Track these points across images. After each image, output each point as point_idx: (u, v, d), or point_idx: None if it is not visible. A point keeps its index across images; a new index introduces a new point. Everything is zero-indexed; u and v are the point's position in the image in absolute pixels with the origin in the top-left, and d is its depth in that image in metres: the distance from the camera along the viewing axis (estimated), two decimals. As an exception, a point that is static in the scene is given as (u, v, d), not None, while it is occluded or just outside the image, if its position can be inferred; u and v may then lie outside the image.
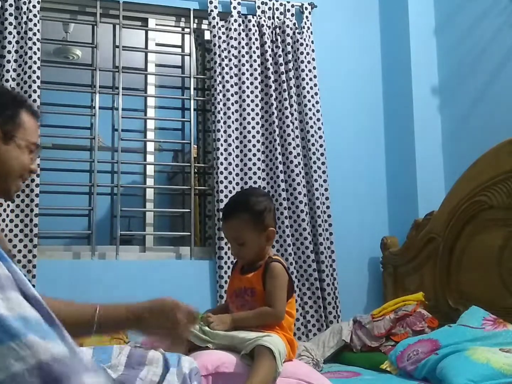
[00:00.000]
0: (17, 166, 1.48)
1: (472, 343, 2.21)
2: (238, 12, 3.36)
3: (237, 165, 3.24)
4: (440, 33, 3.49)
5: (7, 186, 1.42)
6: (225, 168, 3.18)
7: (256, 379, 1.56)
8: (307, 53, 3.39)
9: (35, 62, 2.97)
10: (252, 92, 3.30)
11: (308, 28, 3.44)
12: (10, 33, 2.97)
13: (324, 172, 3.32)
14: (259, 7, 3.39)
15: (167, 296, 1.39)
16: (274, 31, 3.39)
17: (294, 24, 3.42)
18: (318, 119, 3.36)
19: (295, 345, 1.84)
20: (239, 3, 3.36)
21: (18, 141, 1.48)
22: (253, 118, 3.27)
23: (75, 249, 3.10)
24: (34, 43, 2.98)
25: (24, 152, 1.50)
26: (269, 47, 3.36)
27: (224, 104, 3.24)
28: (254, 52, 3.32)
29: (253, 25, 3.35)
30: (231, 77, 3.29)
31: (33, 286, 1.37)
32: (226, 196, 3.13)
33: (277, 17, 3.42)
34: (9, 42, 2.96)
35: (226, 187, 3.16)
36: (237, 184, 3.21)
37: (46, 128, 3.20)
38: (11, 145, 1.47)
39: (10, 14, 2.98)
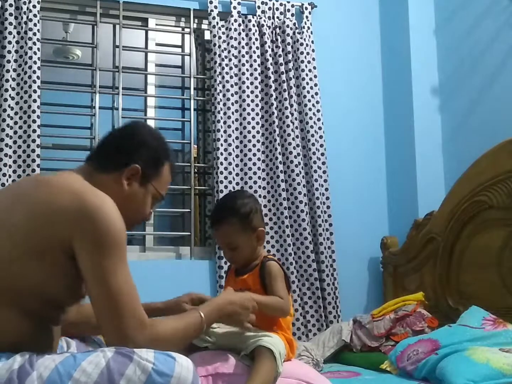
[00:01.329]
0: (137, 209, 1.54)
1: (472, 343, 2.21)
2: (238, 12, 3.36)
3: (237, 165, 3.24)
4: (440, 33, 3.49)
5: None
6: (225, 168, 3.18)
7: (256, 380, 1.56)
8: (307, 53, 3.39)
9: (35, 62, 2.97)
10: (252, 92, 3.30)
11: (308, 28, 3.44)
12: (10, 33, 2.97)
13: (324, 172, 3.32)
14: (259, 7, 3.39)
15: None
16: (274, 31, 3.39)
17: (294, 24, 3.42)
18: (318, 119, 3.36)
19: (294, 345, 1.84)
20: (239, 3, 3.36)
21: (150, 188, 1.55)
22: (253, 118, 3.27)
23: (75, 249, 3.10)
24: (34, 43, 2.98)
25: (149, 199, 1.56)
26: (269, 47, 3.36)
27: (224, 104, 3.24)
28: (254, 52, 3.32)
29: (253, 25, 3.35)
30: (231, 77, 3.29)
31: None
32: (226, 196, 3.12)
33: (277, 17, 3.42)
34: (9, 42, 2.96)
35: (226, 187, 3.16)
36: (237, 184, 3.21)
37: (46, 128, 3.20)
38: (143, 188, 1.53)
39: (10, 14, 2.98)
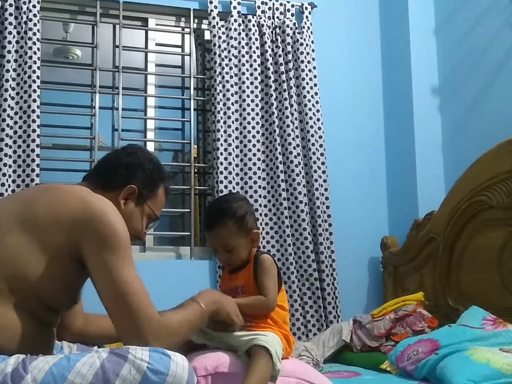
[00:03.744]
0: (132, 227, 1.58)
1: (472, 343, 2.21)
2: (238, 12, 3.36)
3: (237, 165, 3.24)
4: (440, 33, 3.49)
5: None
6: (225, 168, 3.18)
7: (252, 379, 1.56)
8: (307, 53, 3.39)
9: (35, 62, 2.97)
10: (252, 92, 3.30)
11: (308, 28, 3.44)
12: (10, 33, 2.97)
13: (324, 172, 3.32)
14: (259, 7, 3.39)
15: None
16: (274, 31, 3.39)
17: (294, 24, 3.42)
18: (318, 119, 3.36)
19: (292, 340, 1.83)
20: (239, 3, 3.36)
21: (145, 208, 1.62)
22: (253, 118, 3.27)
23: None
24: (34, 43, 2.99)
25: (144, 219, 1.63)
26: (269, 47, 3.36)
27: (224, 104, 3.24)
28: (254, 52, 3.32)
29: (253, 25, 3.35)
30: (231, 77, 3.29)
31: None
32: (226, 196, 3.12)
33: (277, 17, 3.42)
34: (9, 42, 2.96)
35: (226, 187, 3.16)
36: (237, 184, 3.21)
37: (46, 128, 3.20)
38: (139, 208, 1.60)
39: (10, 14, 2.98)
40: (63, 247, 1.39)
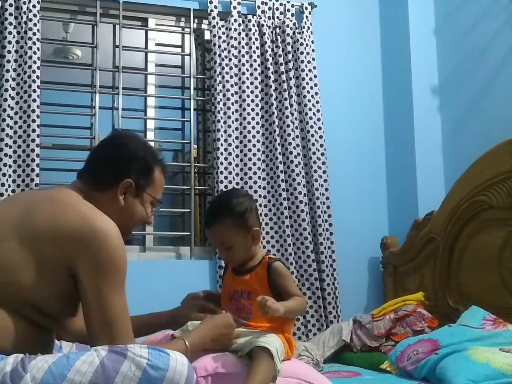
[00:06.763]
0: (137, 219, 1.60)
1: (472, 343, 2.21)
2: (238, 12, 3.36)
3: (237, 165, 3.24)
4: (440, 33, 3.49)
5: (121, 232, 1.45)
6: (225, 168, 3.18)
7: (254, 380, 1.56)
8: (307, 53, 3.39)
9: (35, 62, 2.97)
10: (252, 92, 3.30)
11: (308, 28, 3.44)
12: (10, 33, 2.97)
13: (324, 172, 3.32)
14: (259, 7, 3.39)
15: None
16: (274, 31, 3.39)
17: (294, 24, 3.42)
18: (318, 119, 3.36)
19: (293, 343, 1.83)
20: (239, 3, 3.36)
21: (145, 196, 1.59)
22: (253, 118, 3.27)
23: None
24: (34, 43, 2.98)
25: (147, 207, 1.61)
26: (269, 47, 3.36)
27: (224, 104, 3.24)
28: (254, 52, 3.32)
29: (253, 25, 3.35)
30: (231, 77, 3.29)
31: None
32: (226, 196, 3.12)
33: (277, 17, 3.42)
34: (9, 42, 2.96)
35: (226, 187, 3.16)
36: (237, 184, 3.21)
37: (46, 128, 3.20)
38: (139, 199, 1.58)
39: (10, 14, 2.98)
40: (58, 260, 1.37)
